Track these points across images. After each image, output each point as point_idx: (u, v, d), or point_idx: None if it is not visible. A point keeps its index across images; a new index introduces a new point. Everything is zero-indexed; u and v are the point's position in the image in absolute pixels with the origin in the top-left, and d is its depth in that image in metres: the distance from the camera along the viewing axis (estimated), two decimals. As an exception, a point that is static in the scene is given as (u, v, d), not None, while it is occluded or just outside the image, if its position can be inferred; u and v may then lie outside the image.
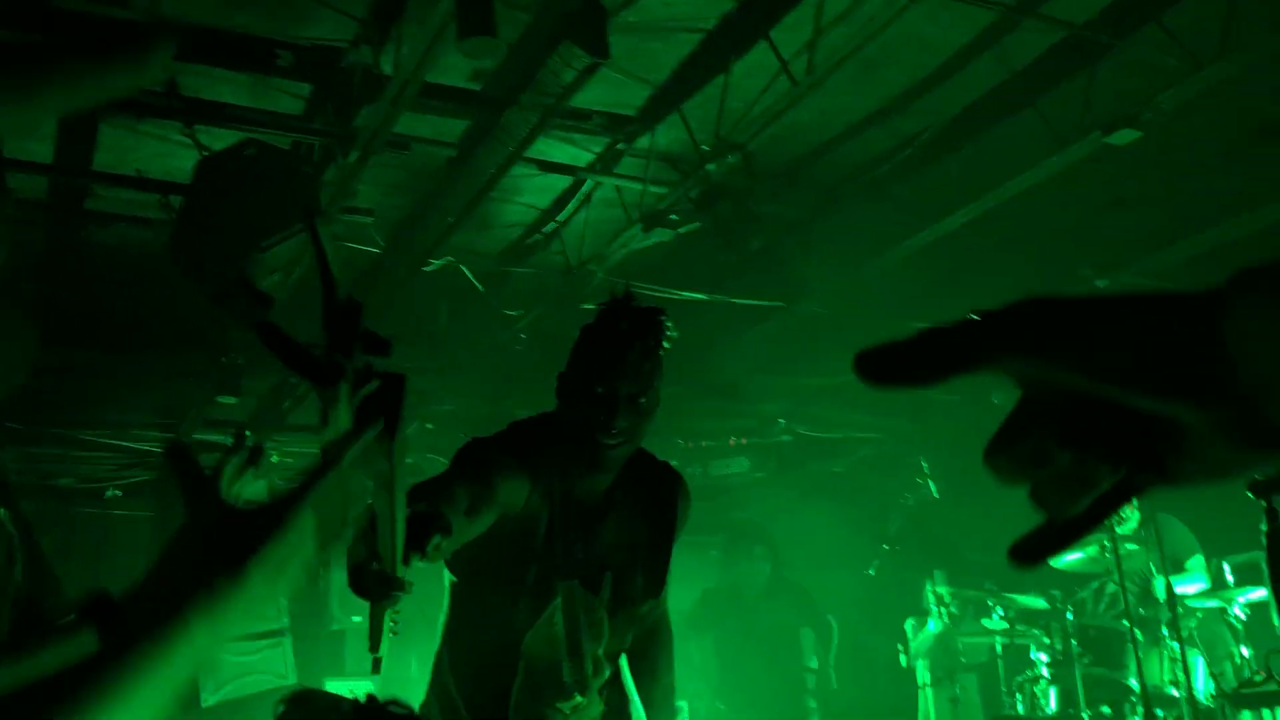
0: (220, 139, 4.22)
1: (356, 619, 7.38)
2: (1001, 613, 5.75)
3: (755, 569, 7.25)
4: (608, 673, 2.34)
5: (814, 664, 7.11)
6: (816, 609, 7.29)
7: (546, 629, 2.26)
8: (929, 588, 6.68)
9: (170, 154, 4.47)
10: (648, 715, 2.56)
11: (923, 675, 6.61)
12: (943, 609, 6.37)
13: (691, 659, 7.21)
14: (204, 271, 4.31)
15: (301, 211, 4.09)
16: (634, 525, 2.42)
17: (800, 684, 7.06)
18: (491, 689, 2.30)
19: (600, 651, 2.28)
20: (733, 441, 8.80)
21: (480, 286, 5.48)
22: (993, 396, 7.70)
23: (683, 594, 7.93)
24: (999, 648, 5.81)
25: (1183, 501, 5.46)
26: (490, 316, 6.02)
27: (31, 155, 4.49)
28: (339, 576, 7.32)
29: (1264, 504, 1.48)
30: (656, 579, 2.47)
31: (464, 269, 5.30)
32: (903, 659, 6.59)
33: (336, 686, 7.22)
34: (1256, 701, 4.42)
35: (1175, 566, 5.47)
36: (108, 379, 6.46)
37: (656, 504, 2.48)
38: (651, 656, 2.60)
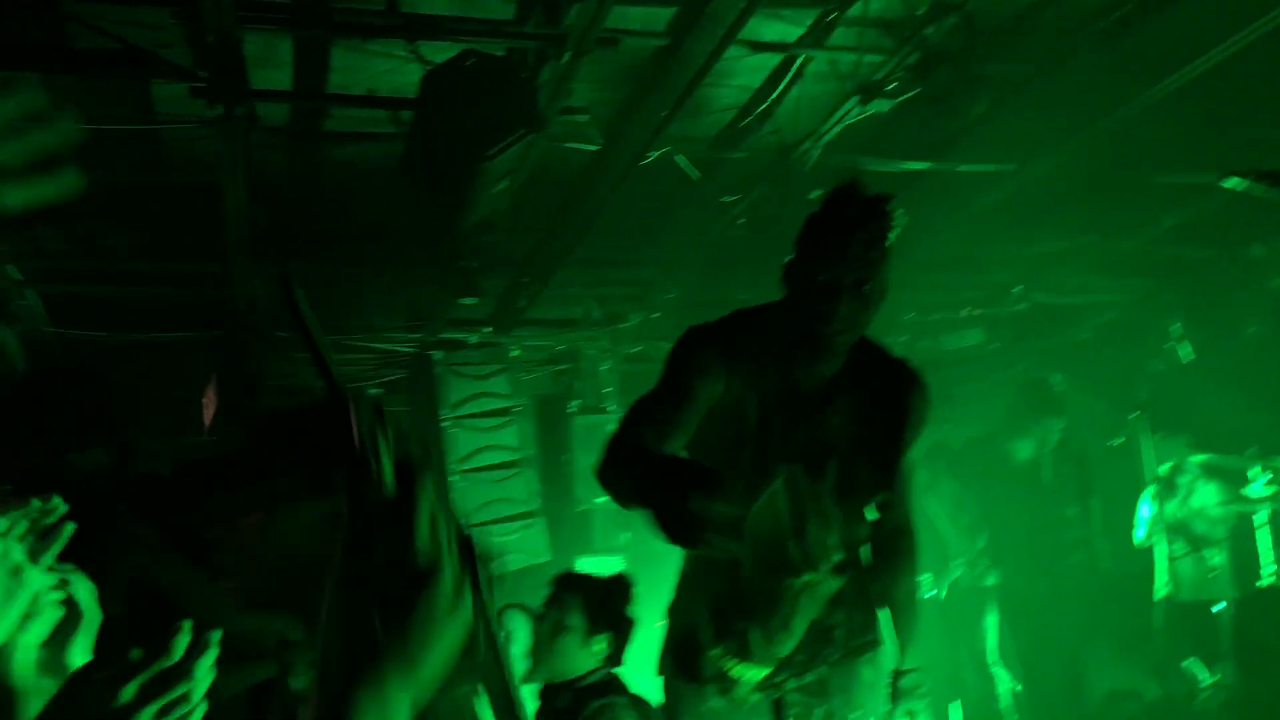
0: (440, 52, 4.38)
1: (599, 500, 7.76)
2: (1269, 477, 5.41)
3: (1046, 439, 6.91)
4: (840, 556, 2.37)
5: (1082, 534, 6.81)
6: (1092, 484, 6.97)
7: (769, 508, 2.29)
8: (1152, 458, 6.28)
9: (396, 70, 4.67)
10: (892, 614, 2.56)
11: (1165, 548, 6.33)
12: (1179, 479, 6.04)
13: (945, 505, 7.06)
14: (436, 181, 4.54)
15: (522, 117, 4.22)
16: (861, 414, 2.44)
17: (1066, 556, 6.81)
18: (719, 566, 2.38)
19: (833, 539, 2.31)
20: (965, 313, 8.53)
21: (696, 174, 5.49)
22: (1250, 249, 7.12)
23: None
24: (1264, 515, 5.50)
25: None
26: (708, 203, 6.04)
27: (273, 83, 4.80)
28: (582, 459, 7.70)
29: None
30: (886, 472, 2.47)
31: (677, 159, 5.32)
32: (1143, 531, 6.33)
33: (586, 563, 7.67)
34: None
35: None
36: (353, 289, 6.93)
37: (888, 398, 2.47)
38: (895, 556, 2.59)
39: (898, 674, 2.44)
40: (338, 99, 4.98)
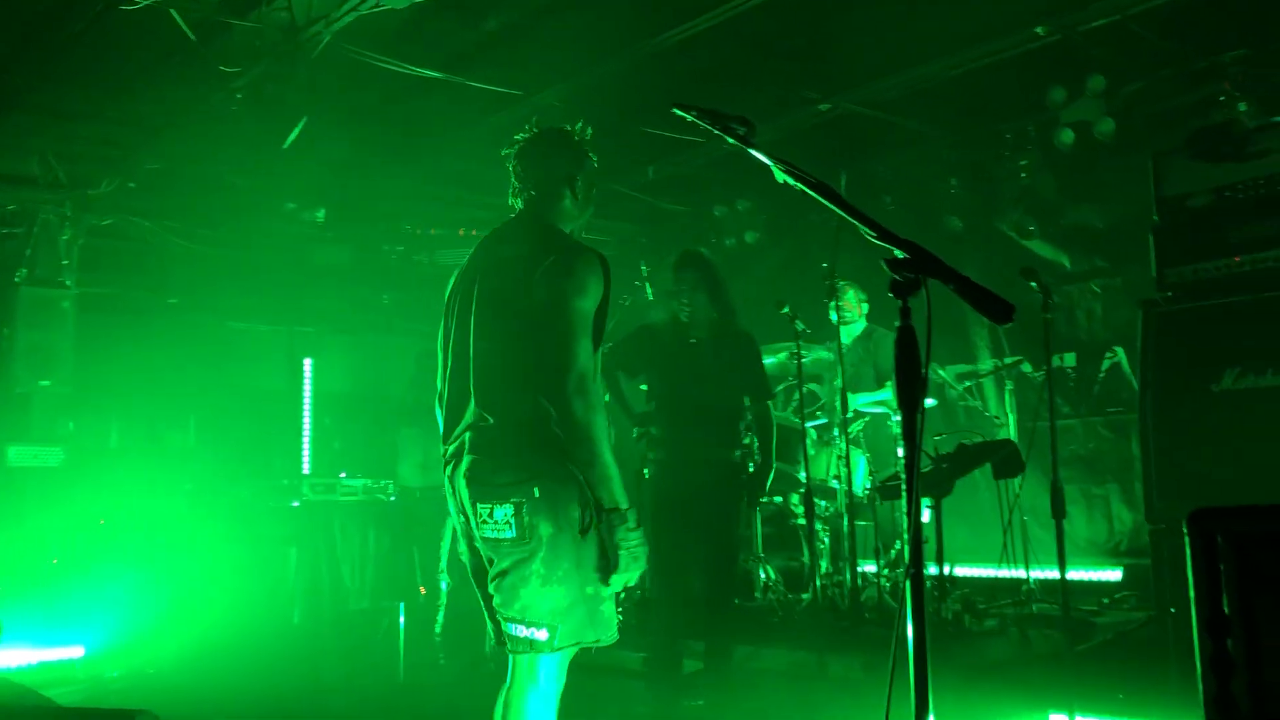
0: None
1: (44, 383, 6.96)
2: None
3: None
4: None
5: None
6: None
7: None
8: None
9: None
10: None
11: None
12: None
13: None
14: None
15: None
16: None
17: None
18: None
19: None
20: (462, 232, 8.68)
21: (192, 35, 5.02)
22: (714, 209, 7.99)
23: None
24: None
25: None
26: (206, 71, 5.56)
27: None
28: (26, 335, 6.85)
29: (900, 302, 1.66)
30: None
31: (173, 12, 4.83)
32: None
33: (20, 453, 6.84)
34: (893, 493, 5.11)
35: (880, 380, 6.04)
36: None
37: None
38: None
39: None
40: None
